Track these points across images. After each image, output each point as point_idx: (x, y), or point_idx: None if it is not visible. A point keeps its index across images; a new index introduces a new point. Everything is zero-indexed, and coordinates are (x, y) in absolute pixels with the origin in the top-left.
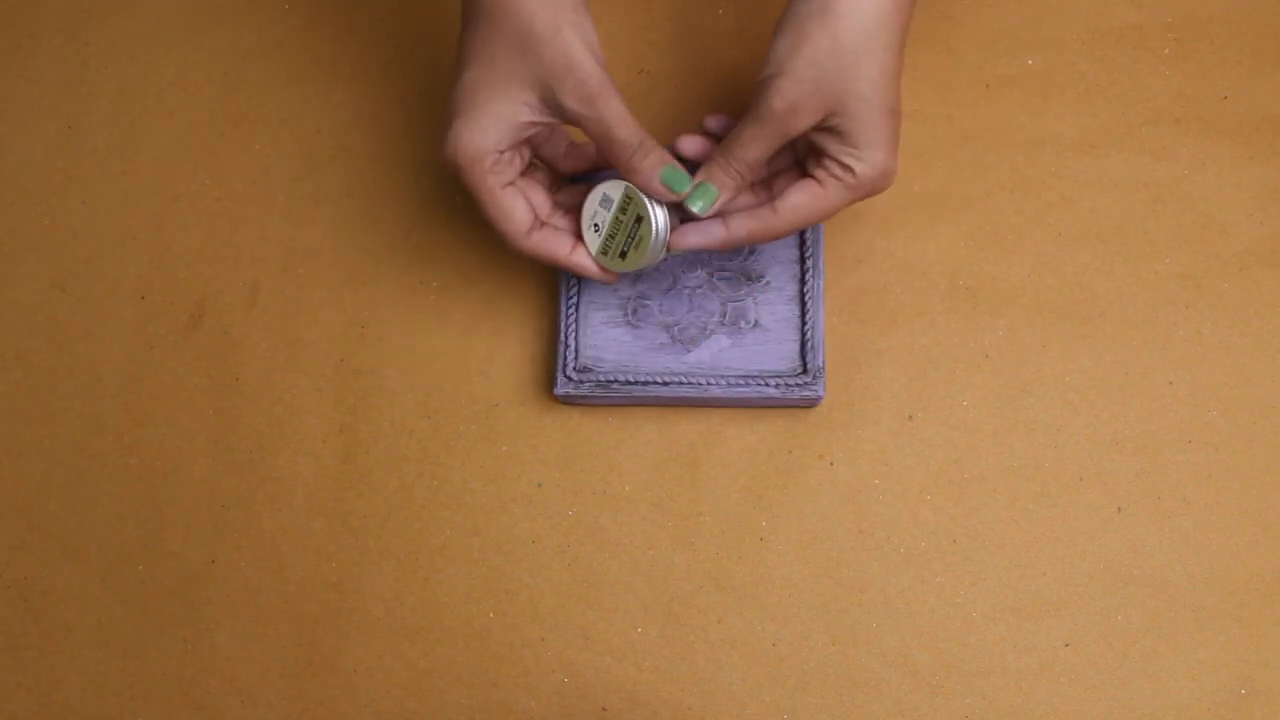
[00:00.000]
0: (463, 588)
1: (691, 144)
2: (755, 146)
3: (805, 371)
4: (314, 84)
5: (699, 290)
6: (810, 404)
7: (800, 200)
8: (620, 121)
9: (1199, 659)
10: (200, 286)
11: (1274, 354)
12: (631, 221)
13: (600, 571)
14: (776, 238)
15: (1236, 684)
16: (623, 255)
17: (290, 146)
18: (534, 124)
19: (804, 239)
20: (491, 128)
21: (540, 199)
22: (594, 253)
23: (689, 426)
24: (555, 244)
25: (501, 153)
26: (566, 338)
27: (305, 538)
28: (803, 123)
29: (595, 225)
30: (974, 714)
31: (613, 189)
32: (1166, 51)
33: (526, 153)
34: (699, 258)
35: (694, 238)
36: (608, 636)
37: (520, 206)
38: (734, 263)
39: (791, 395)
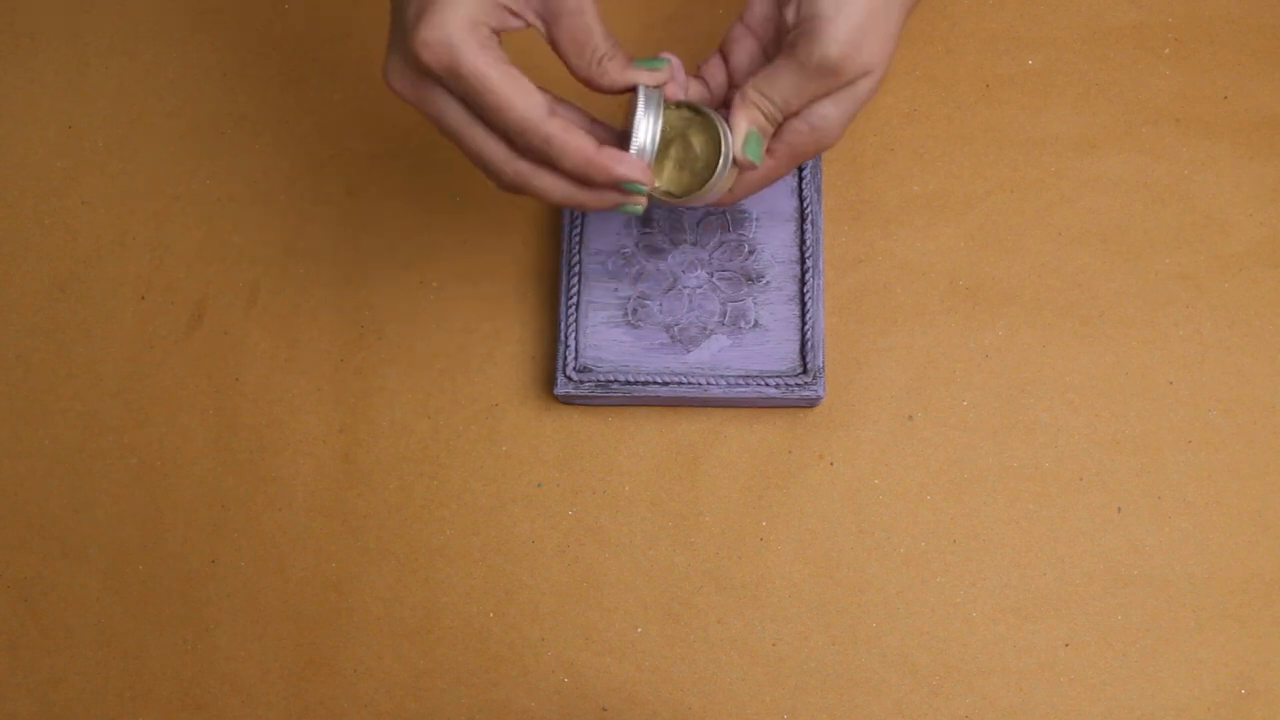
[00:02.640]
0: (463, 588)
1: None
2: (799, 97)
3: (805, 371)
4: (314, 84)
5: (699, 290)
6: (810, 404)
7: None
8: (599, 18)
9: (1199, 659)
10: (200, 286)
11: (1274, 354)
12: (674, 135)
13: (600, 571)
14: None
15: (1236, 684)
16: (690, 173)
17: (290, 146)
18: (509, 11)
19: (804, 238)
20: (472, 2)
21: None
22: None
23: (689, 426)
24: (579, 137)
25: (490, 27)
26: (566, 338)
27: (305, 538)
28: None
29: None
30: (974, 714)
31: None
32: (1166, 51)
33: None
34: (699, 257)
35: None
36: (608, 636)
37: (529, 83)
38: (734, 263)
39: (791, 395)
